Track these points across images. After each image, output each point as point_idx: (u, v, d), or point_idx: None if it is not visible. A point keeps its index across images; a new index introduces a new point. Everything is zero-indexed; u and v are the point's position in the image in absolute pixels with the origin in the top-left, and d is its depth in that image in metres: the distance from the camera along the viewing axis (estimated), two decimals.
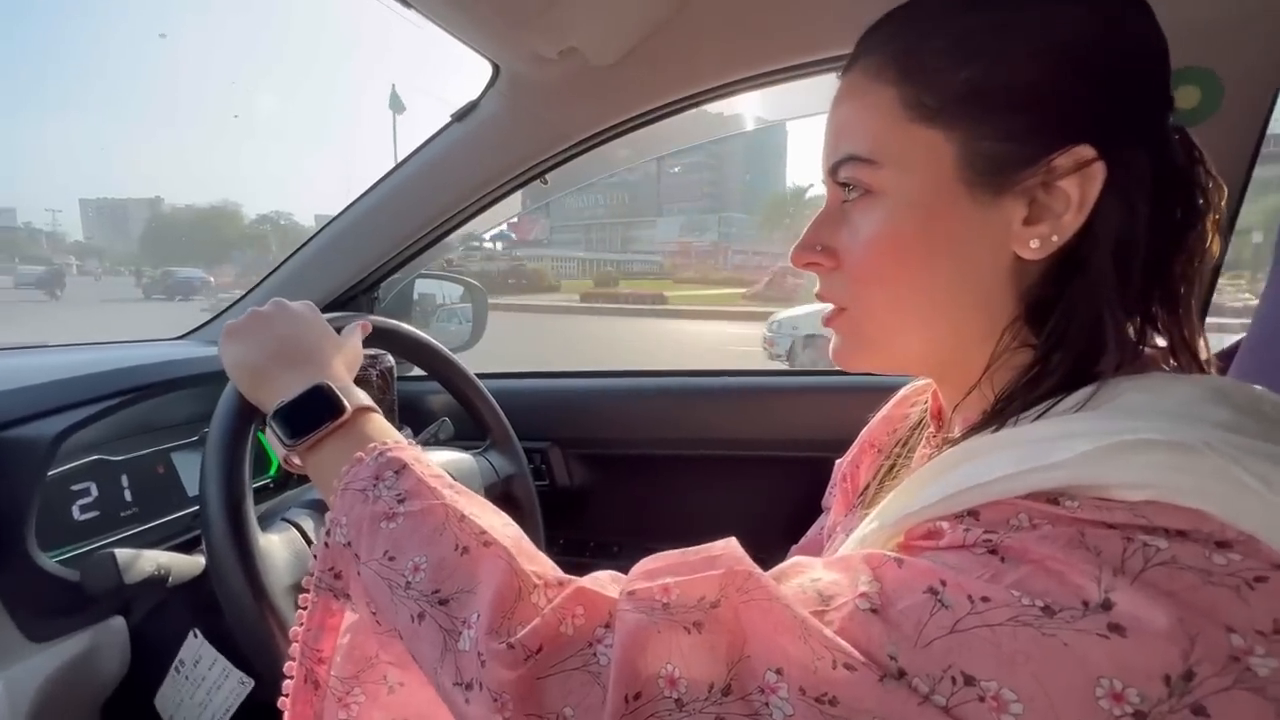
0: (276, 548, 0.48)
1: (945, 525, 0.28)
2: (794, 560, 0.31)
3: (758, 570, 0.29)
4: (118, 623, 0.59)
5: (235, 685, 0.57)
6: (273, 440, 0.42)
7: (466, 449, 0.75)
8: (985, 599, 0.24)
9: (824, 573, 0.29)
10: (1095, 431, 0.27)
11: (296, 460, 0.42)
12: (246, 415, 0.48)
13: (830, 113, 0.38)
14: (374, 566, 0.34)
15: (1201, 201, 0.33)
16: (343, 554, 0.36)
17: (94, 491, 0.64)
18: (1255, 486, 0.23)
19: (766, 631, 0.26)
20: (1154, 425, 0.26)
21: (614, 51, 0.71)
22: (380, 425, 0.43)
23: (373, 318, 0.61)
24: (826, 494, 0.62)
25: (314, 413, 0.41)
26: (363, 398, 0.44)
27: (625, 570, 0.68)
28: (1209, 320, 0.75)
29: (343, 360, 0.49)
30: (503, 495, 0.76)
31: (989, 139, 0.32)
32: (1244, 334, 0.52)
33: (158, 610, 0.61)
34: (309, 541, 0.51)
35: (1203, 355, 0.35)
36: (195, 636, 0.58)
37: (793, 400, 0.94)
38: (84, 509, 0.62)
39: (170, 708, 0.58)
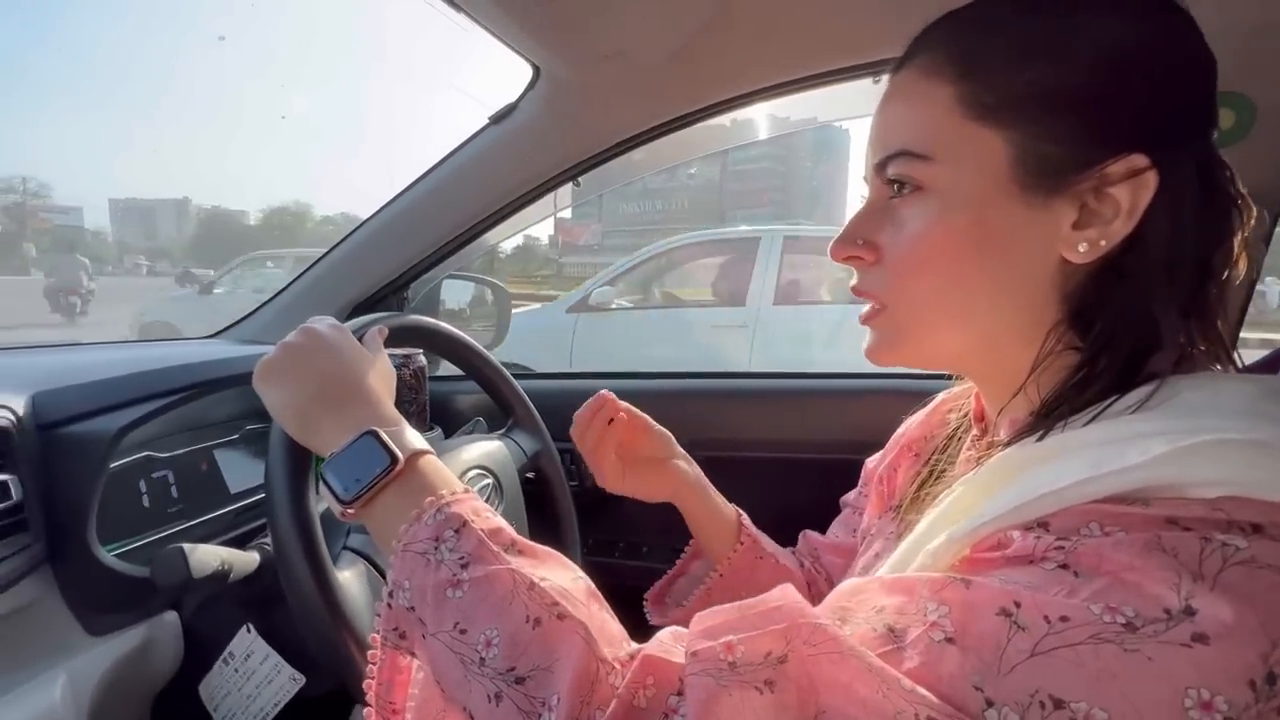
0: (353, 586, 0.48)
1: (1015, 534, 0.27)
2: (851, 585, 0.31)
3: (823, 619, 0.28)
4: (171, 617, 0.60)
5: (286, 681, 0.58)
6: (325, 495, 0.40)
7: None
8: (1064, 618, 0.23)
9: (886, 598, 0.28)
10: (1167, 431, 0.27)
11: (351, 512, 0.40)
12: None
13: (880, 110, 0.38)
14: (444, 639, 0.33)
15: (1234, 220, 0.34)
16: (406, 617, 0.35)
17: (143, 488, 0.64)
18: None
19: (841, 685, 0.26)
20: (1227, 424, 0.26)
21: (657, 54, 0.71)
22: (435, 470, 0.41)
23: (383, 314, 0.60)
24: (855, 493, 0.62)
25: (365, 464, 0.39)
26: (413, 438, 0.42)
27: (653, 572, 0.68)
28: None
29: (381, 382, 0.47)
30: (533, 471, 0.76)
31: (1044, 141, 0.32)
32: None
33: (208, 605, 0.62)
34: (379, 572, 0.51)
35: (1238, 361, 0.35)
36: (249, 631, 0.58)
37: (823, 401, 0.95)
38: (135, 505, 0.63)
39: (216, 697, 0.59)
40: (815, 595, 0.61)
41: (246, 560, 0.53)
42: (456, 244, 0.96)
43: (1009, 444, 0.34)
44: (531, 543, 0.37)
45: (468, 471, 0.64)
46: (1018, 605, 0.24)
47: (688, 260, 4.00)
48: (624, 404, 0.60)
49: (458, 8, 0.63)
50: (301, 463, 0.46)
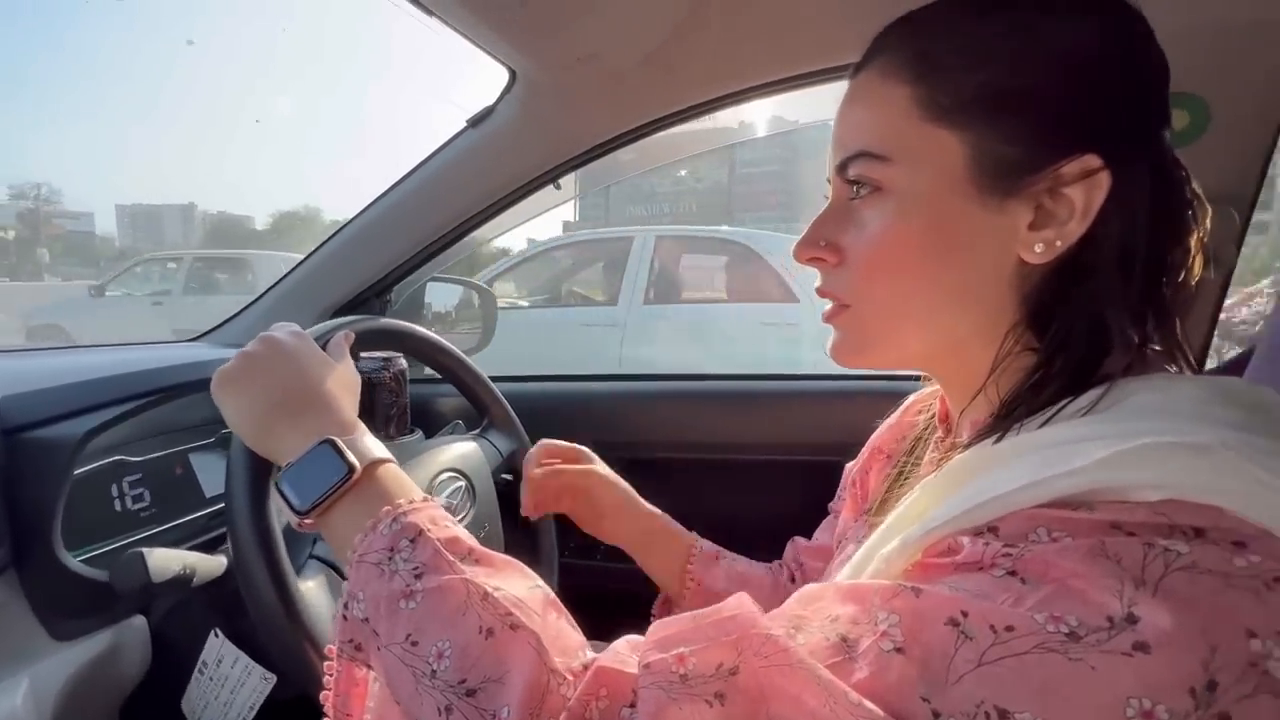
0: (316, 595, 0.48)
1: (965, 540, 0.27)
2: (809, 592, 0.31)
3: (774, 629, 0.28)
4: (139, 622, 0.60)
5: (258, 682, 0.58)
6: (281, 505, 0.40)
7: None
8: (1009, 628, 0.24)
9: (840, 607, 0.29)
10: (1112, 435, 0.27)
11: (308, 522, 0.39)
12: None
13: (840, 112, 0.38)
14: (396, 651, 0.33)
15: (1190, 219, 0.34)
16: (361, 629, 0.35)
17: (115, 492, 0.64)
18: (1271, 483, 0.24)
19: (790, 696, 0.26)
20: (1170, 426, 0.27)
21: (632, 57, 0.71)
22: (394, 478, 0.40)
23: (349, 318, 0.60)
24: (836, 497, 0.62)
25: (321, 474, 0.39)
26: (371, 446, 0.41)
27: (635, 575, 0.68)
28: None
29: (342, 388, 0.46)
30: (509, 473, 0.75)
31: (999, 142, 0.33)
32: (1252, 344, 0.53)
33: (178, 609, 0.62)
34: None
35: (1207, 365, 0.35)
36: (216, 636, 0.58)
37: (805, 403, 0.95)
38: (106, 509, 0.63)
39: (198, 710, 0.59)
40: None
41: (212, 564, 0.53)
42: (437, 247, 0.96)
43: (969, 446, 0.34)
44: (490, 551, 0.37)
45: (440, 474, 0.64)
46: (965, 614, 0.25)
47: (568, 259, 4.03)
48: (572, 462, 0.64)
49: (429, 11, 0.63)
50: (262, 472, 0.46)
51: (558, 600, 0.36)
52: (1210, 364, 0.73)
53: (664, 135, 0.85)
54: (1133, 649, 0.22)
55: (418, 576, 0.34)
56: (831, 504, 0.64)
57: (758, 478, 0.96)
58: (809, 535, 0.65)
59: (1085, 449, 0.27)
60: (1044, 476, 0.27)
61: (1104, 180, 0.32)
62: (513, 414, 0.78)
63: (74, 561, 0.54)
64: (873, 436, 0.56)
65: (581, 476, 0.62)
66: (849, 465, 0.59)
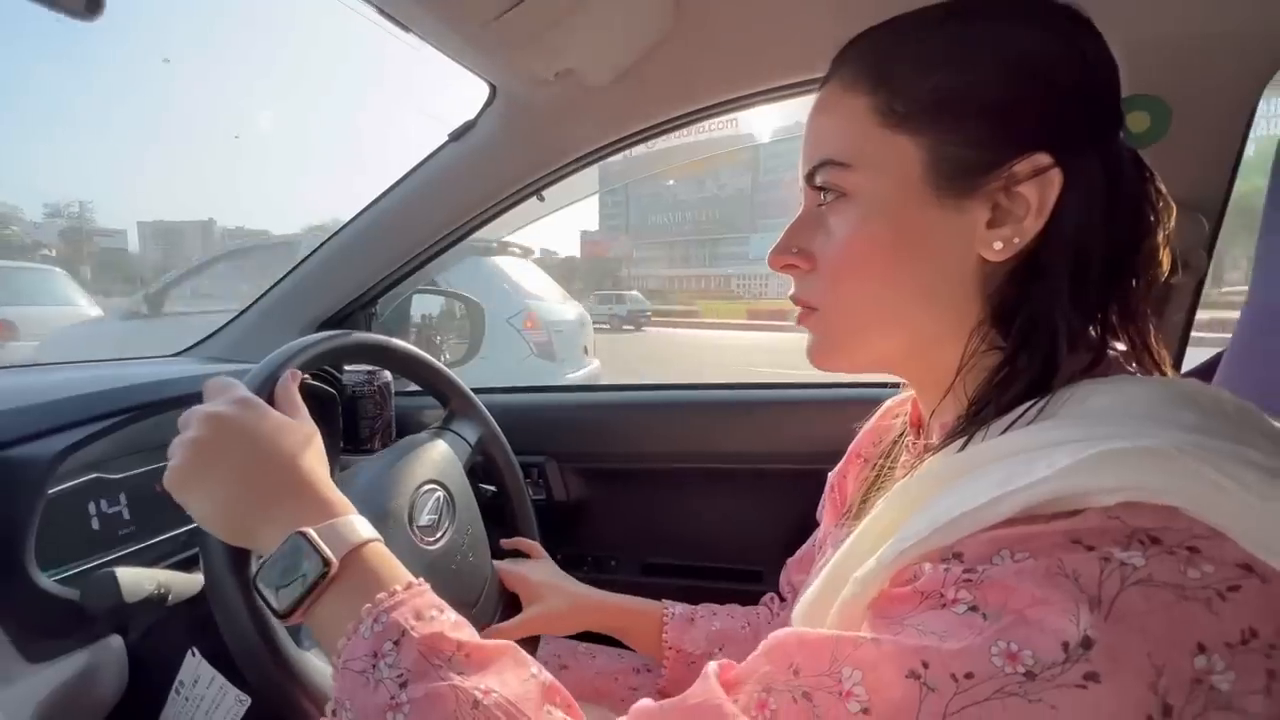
0: (294, 627, 0.46)
1: (927, 566, 0.28)
2: (775, 640, 0.31)
3: (740, 711, 0.28)
4: (115, 641, 0.59)
5: (233, 703, 0.57)
6: (262, 605, 0.38)
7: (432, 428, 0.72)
8: (969, 675, 0.24)
9: (803, 658, 0.29)
10: (1071, 441, 0.28)
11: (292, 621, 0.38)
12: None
13: (808, 123, 0.40)
14: None
15: (1152, 218, 0.35)
16: None
17: (93, 510, 0.64)
18: (1227, 485, 0.25)
19: None
20: (1126, 430, 0.27)
21: (610, 72, 0.72)
22: (376, 565, 0.38)
23: (287, 350, 0.53)
24: (820, 505, 0.62)
25: (297, 572, 0.37)
26: (350, 529, 0.39)
27: (622, 586, 0.68)
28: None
29: (305, 451, 0.42)
30: (481, 455, 0.73)
31: (954, 145, 0.34)
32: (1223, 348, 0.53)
33: (155, 629, 0.61)
34: None
35: (1165, 360, 0.36)
36: (193, 655, 0.58)
37: (789, 412, 0.95)
38: (82, 527, 0.62)
39: None
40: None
41: (188, 582, 0.52)
42: (421, 260, 0.96)
43: (939, 449, 0.34)
44: (482, 642, 0.36)
45: (420, 488, 0.63)
46: (926, 665, 0.25)
47: (242, 264, 3.93)
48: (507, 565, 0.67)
49: (406, 28, 0.64)
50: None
51: (556, 685, 0.36)
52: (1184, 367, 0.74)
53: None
54: (1084, 680, 0.22)
55: (403, 685, 0.32)
56: (818, 513, 0.64)
57: (742, 487, 0.96)
58: (795, 544, 0.65)
59: (1046, 456, 0.27)
60: (1007, 491, 0.27)
61: (1055, 178, 0.33)
62: (474, 399, 0.74)
63: (48, 581, 0.54)
64: (853, 442, 0.56)
65: (531, 606, 0.65)
66: (831, 474, 0.60)
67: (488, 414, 0.74)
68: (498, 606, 0.65)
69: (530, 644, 0.66)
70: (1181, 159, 0.66)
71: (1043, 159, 0.33)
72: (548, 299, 3.27)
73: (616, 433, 1.00)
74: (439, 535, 0.60)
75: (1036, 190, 0.33)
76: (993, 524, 0.27)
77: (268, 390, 0.47)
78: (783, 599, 0.66)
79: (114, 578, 0.45)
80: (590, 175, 0.91)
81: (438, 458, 0.64)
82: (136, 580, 0.46)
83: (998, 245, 0.34)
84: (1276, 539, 0.24)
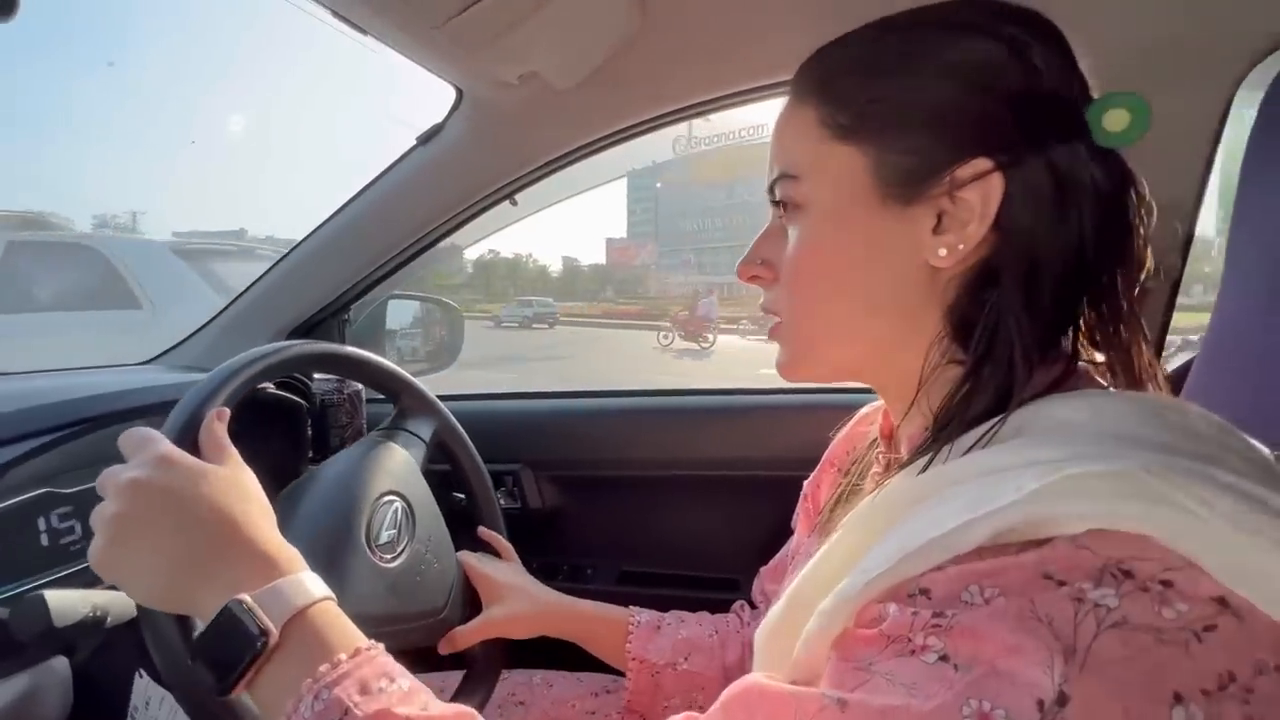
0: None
1: (892, 607, 0.27)
2: (739, 688, 0.30)
3: None
4: (60, 663, 0.58)
5: None
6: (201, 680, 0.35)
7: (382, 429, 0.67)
8: None
9: (766, 715, 0.28)
10: (1038, 462, 0.27)
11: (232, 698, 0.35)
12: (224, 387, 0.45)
13: (771, 137, 0.40)
14: None
15: (1129, 221, 0.35)
16: None
17: (42, 525, 0.62)
18: (1196, 510, 0.24)
19: None
20: (1095, 452, 0.26)
21: (575, 75, 0.71)
22: (318, 631, 0.35)
23: (208, 381, 0.48)
24: (795, 514, 0.61)
25: (232, 644, 0.34)
26: (295, 588, 0.36)
27: (597, 595, 0.67)
28: None
29: (236, 504, 0.38)
30: (439, 447, 0.69)
31: (895, 152, 0.34)
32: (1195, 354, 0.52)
33: (103, 650, 0.59)
34: None
35: (1150, 370, 0.35)
36: (141, 677, 0.56)
37: (763, 419, 0.94)
38: (31, 544, 0.60)
39: None
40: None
41: (128, 604, 0.51)
42: (393, 265, 0.95)
43: (905, 465, 0.34)
44: (434, 714, 0.34)
45: (378, 501, 0.61)
46: None
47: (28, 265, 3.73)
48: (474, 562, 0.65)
49: (363, 31, 0.62)
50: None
51: None
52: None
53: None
54: None
55: None
56: (793, 521, 0.63)
57: (719, 494, 0.95)
58: (770, 551, 0.64)
59: (1013, 478, 0.27)
60: (975, 516, 0.26)
61: (997, 182, 0.33)
62: (425, 391, 0.68)
63: None
64: (828, 450, 0.56)
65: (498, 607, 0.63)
66: (807, 483, 0.59)
67: (441, 406, 0.69)
68: (464, 608, 0.63)
69: (491, 675, 0.64)
70: (1154, 161, 0.64)
71: (983, 163, 0.33)
72: None
73: (592, 440, 0.99)
74: (400, 550, 0.58)
75: (979, 196, 0.33)
76: (960, 553, 0.26)
77: (190, 437, 0.42)
78: (754, 606, 0.65)
79: (43, 600, 0.43)
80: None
81: (392, 465, 0.61)
82: (69, 603, 0.44)
83: (942, 252, 0.34)
84: (1249, 569, 0.23)
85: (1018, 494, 0.26)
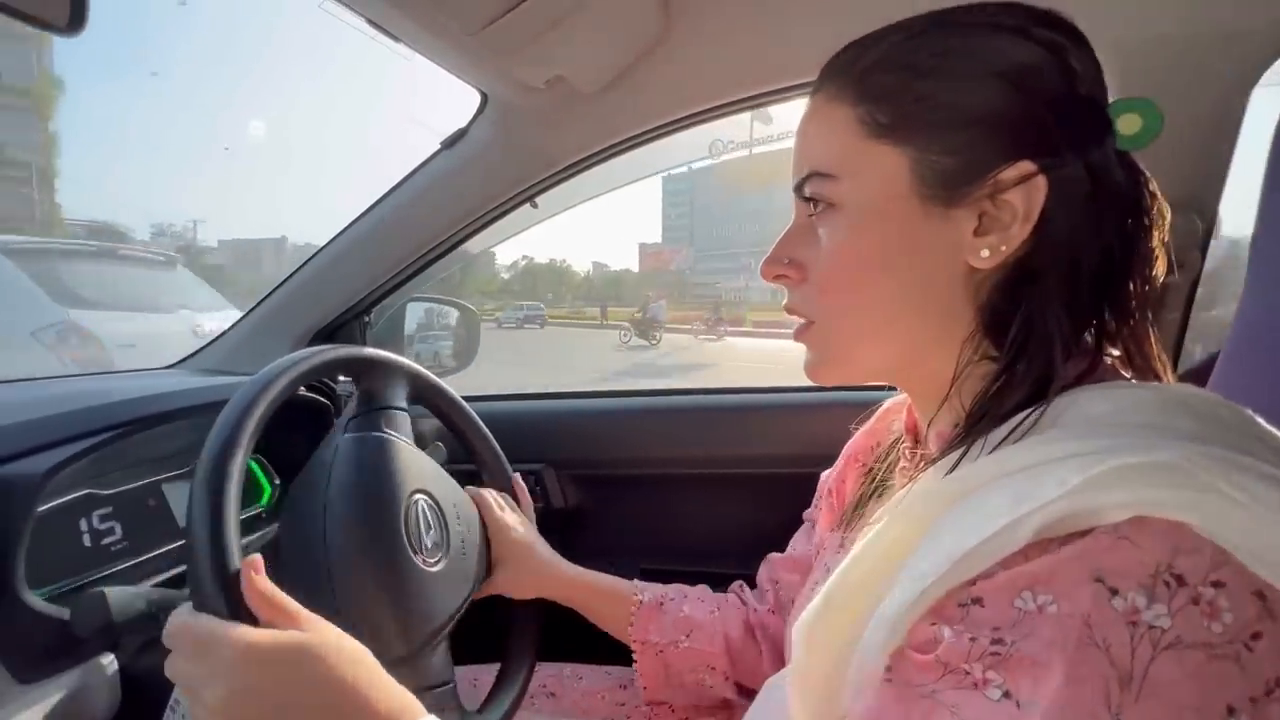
0: None
1: (946, 631, 0.27)
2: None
3: None
4: (108, 660, 0.59)
5: None
6: None
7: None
8: None
9: None
10: (1076, 455, 0.27)
11: None
12: (234, 447, 0.43)
13: (797, 134, 0.40)
14: None
15: (1146, 222, 0.35)
16: None
17: (84, 526, 0.63)
18: (1237, 497, 0.24)
19: None
20: (1133, 443, 0.27)
21: (600, 79, 0.72)
22: None
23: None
24: (812, 506, 0.62)
25: None
26: None
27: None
28: None
29: (325, 663, 0.36)
30: (434, 423, 0.69)
31: (938, 154, 0.34)
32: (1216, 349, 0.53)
33: (148, 646, 0.61)
34: None
35: (1162, 364, 0.36)
36: None
37: (786, 416, 0.95)
38: (74, 545, 0.61)
39: None
40: (762, 632, 0.61)
41: (180, 599, 0.52)
42: (415, 268, 0.96)
43: (937, 460, 0.34)
44: None
45: (418, 494, 0.60)
46: None
47: None
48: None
49: (396, 38, 0.63)
50: (221, 507, 0.42)
51: None
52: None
53: None
54: None
55: None
56: (807, 513, 0.64)
57: (739, 492, 0.96)
58: (785, 548, 0.65)
59: (1055, 471, 0.27)
60: (1020, 514, 0.26)
61: (1040, 185, 0.33)
62: (388, 356, 0.62)
63: (37, 600, 0.53)
64: (848, 444, 0.56)
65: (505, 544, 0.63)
66: (824, 474, 0.59)
67: (408, 363, 0.62)
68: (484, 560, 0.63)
69: (526, 668, 0.64)
70: (1175, 158, 0.66)
71: (1027, 166, 0.33)
72: (133, 309, 2.93)
73: (614, 440, 1.00)
74: (440, 548, 0.58)
75: (1022, 198, 0.33)
76: (1008, 555, 0.26)
77: (236, 605, 0.39)
78: (753, 586, 0.66)
79: (104, 597, 0.44)
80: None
81: (425, 471, 0.58)
82: (127, 599, 0.45)
83: (985, 253, 0.34)
84: (1272, 549, 0.23)
85: (1062, 487, 0.26)
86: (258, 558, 0.40)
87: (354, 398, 0.60)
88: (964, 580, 0.27)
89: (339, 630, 0.39)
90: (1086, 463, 0.26)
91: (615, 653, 0.67)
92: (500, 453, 0.71)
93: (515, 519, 0.65)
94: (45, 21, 0.34)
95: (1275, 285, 0.47)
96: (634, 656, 0.61)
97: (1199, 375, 0.56)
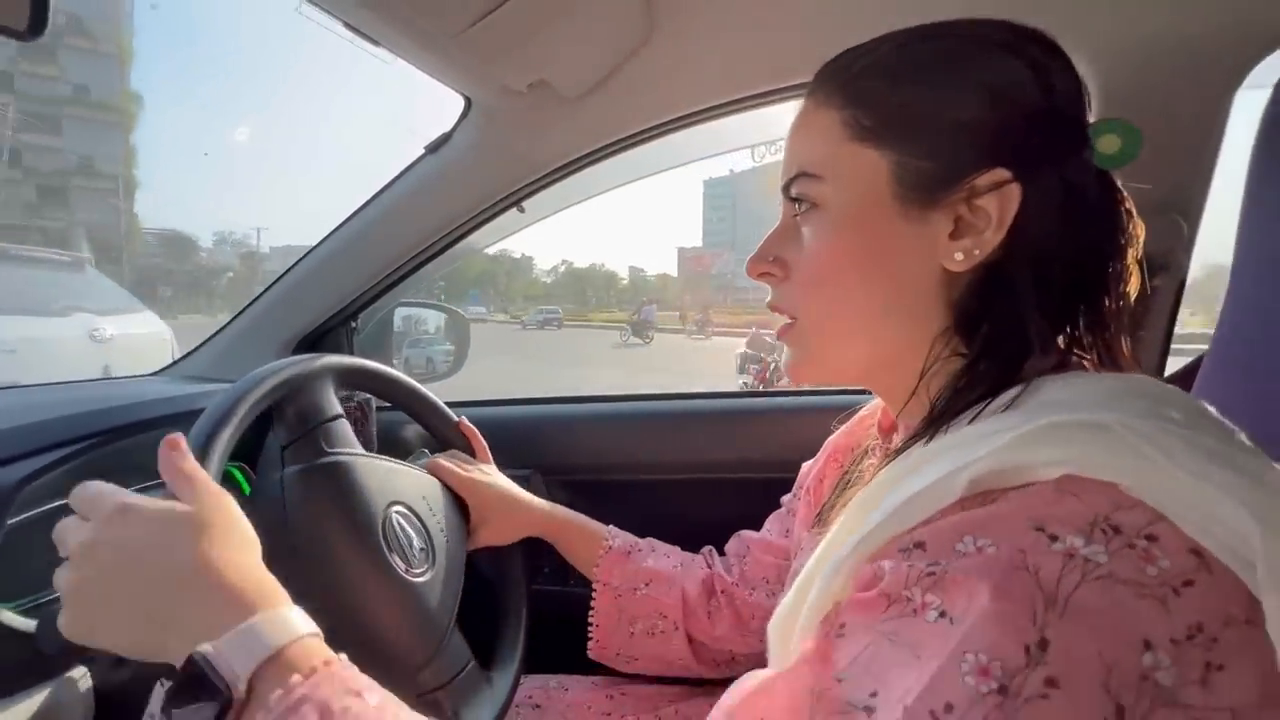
0: None
1: (888, 564, 0.28)
2: (743, 690, 0.31)
3: None
4: (80, 674, 0.57)
5: None
6: None
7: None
8: (949, 706, 0.23)
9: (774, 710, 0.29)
10: (1019, 425, 0.28)
11: None
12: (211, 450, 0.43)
13: (788, 137, 0.41)
14: None
15: (1122, 240, 0.36)
16: None
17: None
18: (1162, 462, 0.25)
19: None
20: (1074, 412, 0.28)
21: (584, 83, 0.72)
22: (295, 669, 0.32)
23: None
24: (792, 495, 0.64)
25: (198, 701, 0.31)
26: (275, 625, 0.33)
27: None
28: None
29: (194, 536, 0.35)
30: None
31: (918, 158, 0.35)
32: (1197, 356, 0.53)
33: (122, 661, 0.59)
34: None
35: (1132, 369, 0.37)
36: (162, 685, 0.56)
37: (768, 421, 0.95)
38: (47, 557, 0.60)
39: None
40: (724, 596, 0.63)
41: None
42: (401, 273, 0.95)
43: (902, 449, 0.35)
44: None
45: (392, 508, 0.60)
46: (908, 710, 0.24)
47: None
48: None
49: (375, 42, 0.63)
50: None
51: None
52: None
53: None
54: (1045, 687, 0.22)
55: None
56: (785, 498, 0.66)
57: (729, 496, 0.96)
58: None
59: (997, 439, 0.28)
60: (957, 466, 0.28)
61: (1014, 192, 0.34)
62: (312, 360, 0.57)
63: (7, 614, 0.52)
64: (830, 439, 0.57)
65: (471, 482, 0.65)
66: (806, 464, 0.61)
67: (320, 361, 0.57)
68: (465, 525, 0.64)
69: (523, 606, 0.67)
70: (1159, 162, 0.65)
71: (1002, 174, 0.34)
72: (18, 312, 2.90)
73: (603, 445, 0.99)
74: (427, 549, 0.57)
75: (997, 204, 0.34)
76: (948, 505, 0.28)
77: (149, 486, 0.41)
78: (721, 553, 0.69)
79: None
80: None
81: (364, 482, 0.54)
82: None
83: (959, 256, 0.35)
84: (1205, 517, 0.24)
85: (998, 443, 0.27)
86: (178, 436, 0.40)
87: (281, 419, 0.54)
88: (905, 528, 0.28)
89: (238, 514, 0.39)
90: (1024, 427, 0.28)
91: (600, 664, 0.66)
92: (438, 402, 0.70)
93: (479, 474, 0.67)
94: (3, 26, 0.33)
95: (1257, 289, 0.47)
96: (593, 594, 0.65)
97: (1184, 379, 0.56)
